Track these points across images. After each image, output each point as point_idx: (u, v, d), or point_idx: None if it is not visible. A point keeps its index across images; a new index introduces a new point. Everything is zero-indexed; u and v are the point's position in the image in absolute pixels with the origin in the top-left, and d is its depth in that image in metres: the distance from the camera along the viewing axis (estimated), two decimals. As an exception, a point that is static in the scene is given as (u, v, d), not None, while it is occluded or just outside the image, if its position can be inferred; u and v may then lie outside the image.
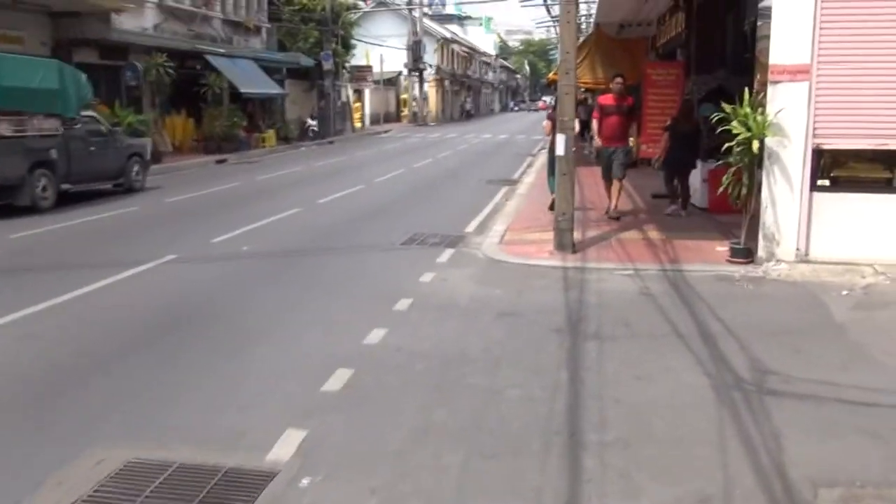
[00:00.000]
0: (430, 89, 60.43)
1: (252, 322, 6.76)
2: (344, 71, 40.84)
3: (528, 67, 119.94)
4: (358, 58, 45.04)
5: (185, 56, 25.59)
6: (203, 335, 6.38)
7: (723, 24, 14.27)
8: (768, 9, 8.47)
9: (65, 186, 14.16)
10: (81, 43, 21.38)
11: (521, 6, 42.25)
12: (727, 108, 8.46)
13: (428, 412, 4.70)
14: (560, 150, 9.40)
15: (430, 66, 58.96)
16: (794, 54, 8.18)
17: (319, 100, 36.24)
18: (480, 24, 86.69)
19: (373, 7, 52.02)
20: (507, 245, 9.99)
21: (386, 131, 44.17)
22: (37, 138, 13.49)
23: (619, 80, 11.58)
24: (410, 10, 54.57)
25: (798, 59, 8.17)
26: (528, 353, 5.82)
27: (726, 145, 8.47)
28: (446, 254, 9.62)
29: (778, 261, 8.48)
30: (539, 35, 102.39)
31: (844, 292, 7.58)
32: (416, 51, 54.49)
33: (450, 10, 78.28)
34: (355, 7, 44.37)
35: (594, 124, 11.63)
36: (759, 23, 9.01)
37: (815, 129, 8.30)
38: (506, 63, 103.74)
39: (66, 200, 13.93)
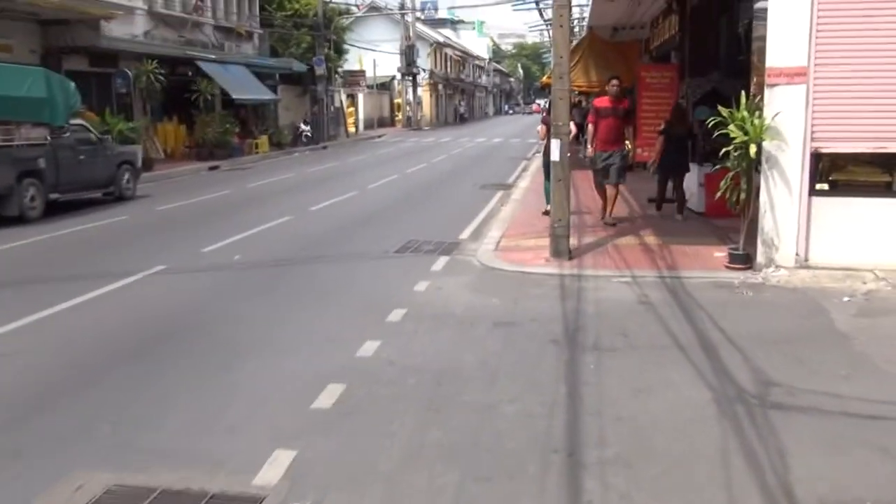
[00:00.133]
0: (424, 93, 60.35)
1: (241, 335, 6.59)
2: (337, 76, 40.70)
3: (521, 71, 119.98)
4: (351, 63, 44.93)
5: (177, 62, 25.45)
6: (190, 350, 6.21)
7: (716, 26, 14.17)
8: (764, 10, 8.35)
9: (53, 196, 13.99)
10: (71, 50, 21.25)
11: (514, 9, 42.15)
12: (724, 111, 8.33)
13: (421, 431, 4.54)
14: (555, 155, 9.27)
15: (424, 70, 58.89)
16: (790, 57, 8.05)
17: (312, 105, 36.08)
18: (473, 28, 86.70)
19: (365, 12, 51.84)
20: (503, 252, 9.84)
21: (380, 136, 44.03)
22: (24, 147, 13.32)
23: (615, 82, 11.36)
24: (403, 14, 54.47)
25: (795, 61, 8.04)
26: (525, 366, 5.67)
27: (724, 150, 8.34)
28: (441, 261, 9.47)
29: (777, 266, 8.34)
30: (532, 38, 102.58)
31: (846, 299, 7.45)
32: (409, 55, 54.39)
33: (442, 14, 78.32)
34: (347, 12, 44.23)
35: (590, 128, 11.42)
36: (755, 24, 8.86)
37: (813, 132, 8.17)
38: (499, 67, 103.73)
39: (54, 210, 13.75)
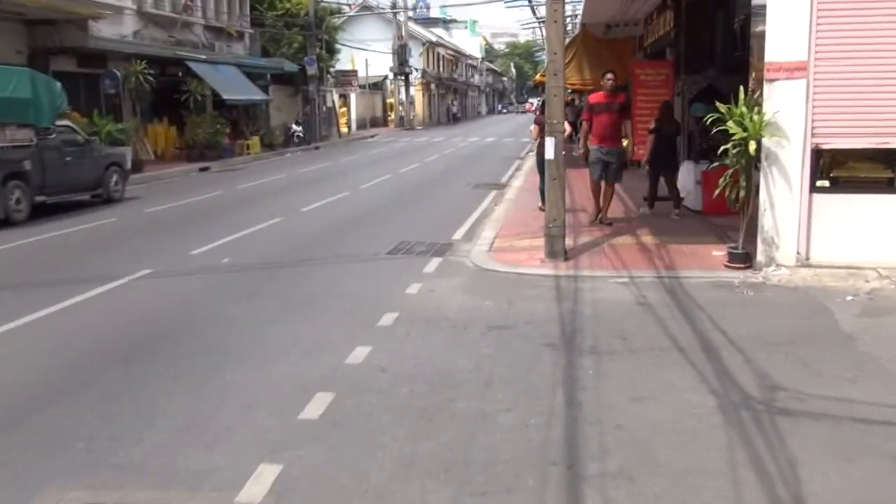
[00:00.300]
0: (417, 93, 60.11)
1: (227, 342, 6.37)
2: (329, 76, 40.42)
3: (514, 70, 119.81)
4: (343, 62, 44.68)
5: (166, 63, 25.18)
6: (174, 358, 5.98)
7: (712, 22, 13.98)
8: (762, 7, 8.15)
9: (40, 198, 13.74)
10: (59, 51, 20.96)
11: (506, 7, 41.98)
12: (722, 107, 8.14)
13: (413, 442, 4.33)
14: (549, 153, 9.07)
15: (416, 69, 58.64)
16: (790, 51, 7.87)
17: (304, 105, 35.83)
18: (466, 28, 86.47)
19: (357, 11, 51.59)
20: (497, 253, 9.64)
21: (372, 136, 43.80)
22: (9, 149, 13.08)
23: (609, 76, 11.00)
24: (395, 13, 54.22)
25: (795, 55, 7.86)
26: (521, 372, 5.46)
27: (722, 147, 8.15)
28: (433, 263, 9.26)
29: (778, 265, 8.16)
30: (525, 37, 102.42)
31: (849, 298, 7.27)
32: (401, 55, 54.15)
33: (434, 13, 78.07)
34: (339, 11, 43.98)
35: (584, 125, 11.20)
36: (753, 20, 8.68)
37: (813, 128, 7.99)
38: (492, 66, 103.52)
39: (41, 213, 13.51)
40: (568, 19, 34.16)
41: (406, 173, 21.48)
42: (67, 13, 20.03)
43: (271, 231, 11.90)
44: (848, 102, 7.93)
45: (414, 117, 57.49)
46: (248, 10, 32.46)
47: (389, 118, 56.87)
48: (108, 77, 22.49)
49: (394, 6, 53.85)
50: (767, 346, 5.94)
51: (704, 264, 8.65)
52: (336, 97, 42.76)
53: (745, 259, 8.31)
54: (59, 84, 15.07)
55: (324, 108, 38.35)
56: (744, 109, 7.98)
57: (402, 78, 55.28)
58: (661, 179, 12.10)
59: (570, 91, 20.33)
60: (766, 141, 7.97)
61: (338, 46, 41.27)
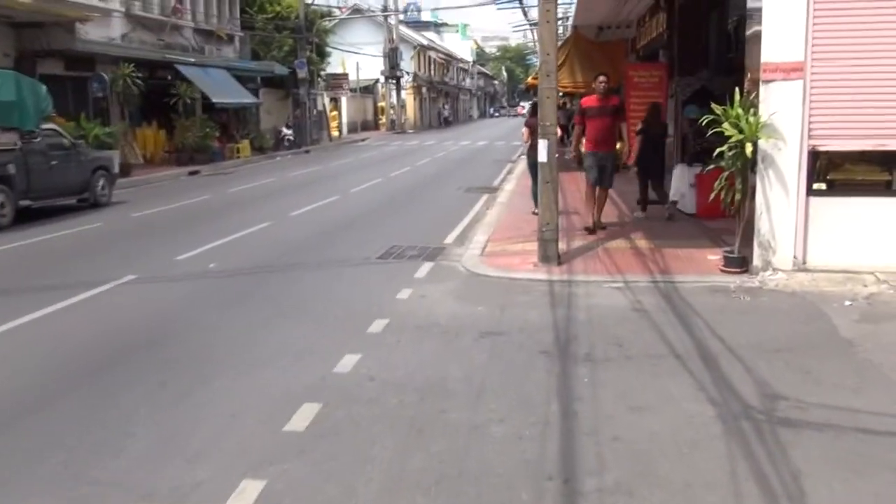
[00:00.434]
0: (408, 96, 59.96)
1: (213, 349, 6.20)
2: (319, 79, 40.25)
3: (505, 73, 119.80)
4: (334, 66, 44.50)
5: (155, 66, 24.94)
6: (157, 367, 5.80)
7: (705, 24, 13.89)
8: (758, 8, 8.03)
9: (24, 203, 13.53)
10: (46, 54, 20.71)
11: (497, 9, 41.87)
12: (718, 109, 8.00)
13: (403, 455, 4.16)
14: (542, 156, 8.92)
15: (408, 73, 58.48)
16: (787, 51, 7.74)
17: (295, 109, 35.64)
18: (457, 31, 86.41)
19: (348, 14, 51.41)
20: (489, 257, 9.48)
21: (363, 139, 43.61)
22: (-7, 153, 12.87)
23: (602, 78, 10.70)
24: (386, 17, 54.07)
25: (791, 56, 7.74)
26: (514, 381, 5.31)
27: (718, 150, 8.02)
28: (425, 267, 9.10)
29: (774, 270, 8.03)
30: (516, 40, 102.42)
31: (847, 303, 7.14)
32: (392, 58, 53.99)
33: (426, 16, 77.92)
34: (330, 15, 43.81)
35: (576, 129, 10.99)
36: (748, 21, 8.56)
37: (810, 129, 7.87)
38: (483, 69, 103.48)
39: (26, 217, 13.29)
40: (559, 22, 34.10)
41: (397, 177, 21.32)
42: (55, 16, 19.81)
43: (260, 235, 11.72)
44: (845, 104, 7.81)
45: (405, 121, 57.33)
46: (238, 13, 32.26)
47: (381, 122, 56.68)
48: (96, 80, 22.24)
49: (385, 9, 53.68)
50: (766, 353, 5.80)
51: (700, 269, 8.51)
52: (327, 100, 42.58)
53: (741, 263, 8.18)
54: (44, 87, 14.87)
55: (314, 112, 38.16)
56: (740, 111, 7.85)
57: (394, 81, 55.13)
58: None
59: (561, 94, 20.20)
60: (763, 143, 7.85)
61: (328, 50, 41.11)
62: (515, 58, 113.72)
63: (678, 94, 13.46)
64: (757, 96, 7.97)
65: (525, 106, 65.49)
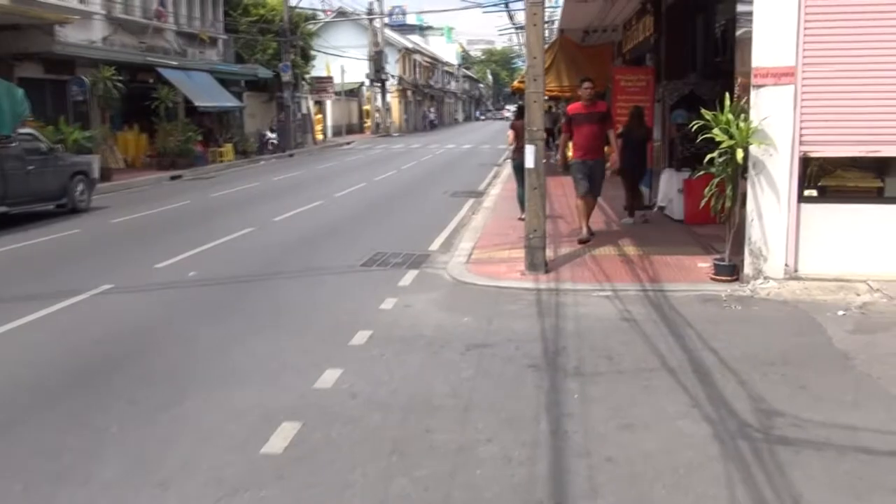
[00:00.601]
0: (393, 100, 59.78)
1: (189, 364, 5.97)
2: (304, 82, 39.97)
3: (490, 77, 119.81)
4: (318, 69, 44.20)
5: (137, 69, 24.64)
6: (130, 383, 5.56)
7: (692, 27, 13.76)
8: (747, 12, 7.89)
9: (1, 209, 13.21)
10: (24, 57, 20.39)
11: (483, 12, 41.73)
12: (708, 114, 7.85)
13: (385, 481, 3.96)
14: (529, 162, 8.74)
15: (393, 76, 58.30)
16: (777, 56, 7.61)
17: (279, 112, 35.33)
18: (442, 34, 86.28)
19: (332, 18, 51.15)
20: (475, 265, 9.29)
21: (348, 143, 43.36)
22: (-33, 158, 12.56)
23: (587, 85, 10.42)
24: (371, 20, 53.84)
25: (782, 61, 7.60)
26: (502, 397, 5.11)
27: (709, 156, 7.86)
28: (409, 275, 8.90)
29: (766, 278, 7.88)
30: (501, 44, 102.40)
31: (840, 312, 7.00)
32: (377, 61, 53.82)
33: (411, 20, 77.70)
34: (314, 18, 43.52)
35: (563, 137, 10.74)
36: (738, 25, 8.42)
37: (801, 135, 7.73)
38: (468, 73, 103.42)
39: (2, 224, 12.97)
40: (546, 25, 34.03)
41: (382, 181, 21.11)
42: (33, 18, 19.45)
43: (241, 242, 11.48)
44: (837, 109, 7.68)
45: (390, 124, 57.13)
46: (222, 16, 31.96)
47: (366, 125, 56.45)
48: (75, 83, 21.91)
49: (370, 13, 53.45)
50: (761, 366, 5.64)
51: (690, 277, 8.36)
52: (311, 104, 42.30)
53: (732, 271, 8.03)
54: (21, 90, 14.57)
55: (299, 115, 37.89)
56: (730, 116, 7.70)
57: (379, 85, 54.92)
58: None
59: (546, 98, 20.05)
60: (754, 149, 7.70)
61: (313, 53, 40.81)
62: (501, 61, 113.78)
63: (665, 99, 13.32)
64: (747, 101, 7.82)
65: (510, 109, 65.52)
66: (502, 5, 40.70)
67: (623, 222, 11.97)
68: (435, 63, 77.53)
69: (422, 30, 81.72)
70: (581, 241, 10.23)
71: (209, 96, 27.30)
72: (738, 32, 8.58)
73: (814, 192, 7.93)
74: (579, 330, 6.63)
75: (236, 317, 7.36)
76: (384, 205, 16.10)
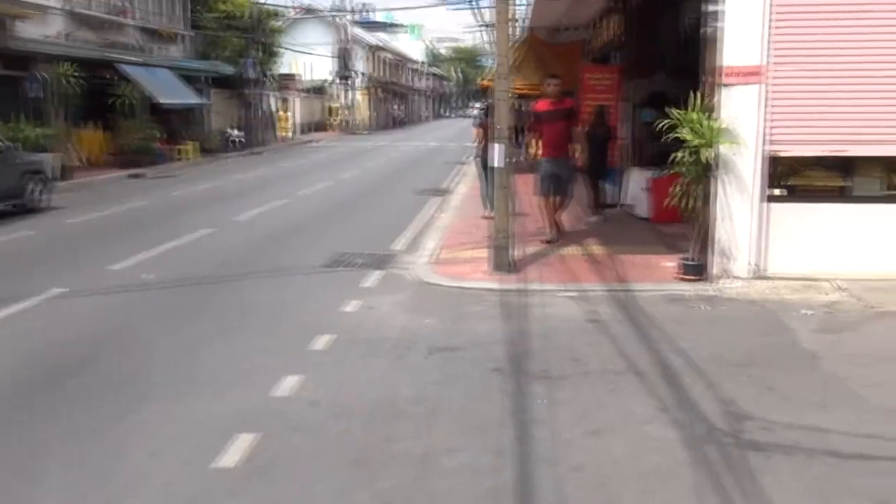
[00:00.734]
0: (360, 97, 59.42)
1: (142, 373, 5.73)
2: (270, 79, 39.51)
3: (457, 74, 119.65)
4: (285, 66, 43.73)
5: (97, 66, 24.04)
6: (81, 392, 5.33)
7: (660, 26, 13.72)
8: (716, 11, 7.83)
9: (-48, 209, 12.82)
10: (-22, 52, 19.84)
11: (447, 9, 41.59)
12: (675, 113, 7.78)
13: (346, 495, 3.80)
14: (496, 160, 8.62)
15: (360, 73, 57.94)
16: (746, 55, 7.57)
17: (244, 109, 34.88)
18: (409, 32, 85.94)
19: (299, 14, 50.66)
20: (440, 265, 9.15)
21: (315, 140, 42.96)
22: (-84, 156, 12.14)
23: (554, 81, 10.29)
24: (337, 17, 53.42)
25: (750, 59, 7.56)
26: (467, 403, 4.98)
27: (675, 155, 7.79)
28: (374, 276, 8.73)
29: (733, 277, 7.85)
30: (468, 42, 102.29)
31: (807, 312, 6.96)
32: (344, 58, 53.43)
33: (378, 17, 77.32)
34: (280, 14, 43.04)
35: (530, 134, 10.58)
36: (707, 25, 8.34)
37: (769, 135, 7.70)
38: (436, 70, 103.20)
39: (-47, 225, 12.60)
40: (514, 23, 33.93)
41: (348, 179, 20.90)
42: (-12, 12, 18.97)
43: (201, 243, 11.22)
44: (804, 109, 7.66)
45: (357, 122, 56.78)
46: (186, 12, 31.43)
47: (332, 122, 55.98)
48: (32, 80, 21.33)
49: (336, 9, 53.03)
50: (729, 367, 5.58)
51: (656, 276, 8.30)
52: (277, 101, 41.86)
53: (698, 271, 7.98)
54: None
55: (264, 113, 37.44)
56: (698, 115, 7.64)
57: (345, 82, 54.54)
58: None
59: (515, 96, 19.96)
60: (721, 148, 7.65)
61: (279, 50, 40.34)
62: (468, 59, 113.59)
63: (633, 97, 13.28)
64: (715, 100, 7.76)
65: (477, 107, 65.56)
66: (467, 2, 40.59)
67: (589, 221, 11.90)
68: (402, 60, 77.24)
69: (389, 27, 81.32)
70: (547, 241, 10.13)
71: (172, 93, 26.82)
72: (706, 31, 8.50)
73: (781, 192, 7.91)
74: (545, 331, 6.52)
75: (193, 321, 7.14)
76: (350, 203, 15.90)
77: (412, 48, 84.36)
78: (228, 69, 32.29)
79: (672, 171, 8.11)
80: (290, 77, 44.76)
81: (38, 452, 4.38)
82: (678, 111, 7.75)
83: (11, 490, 3.97)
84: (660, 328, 6.53)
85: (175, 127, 28.33)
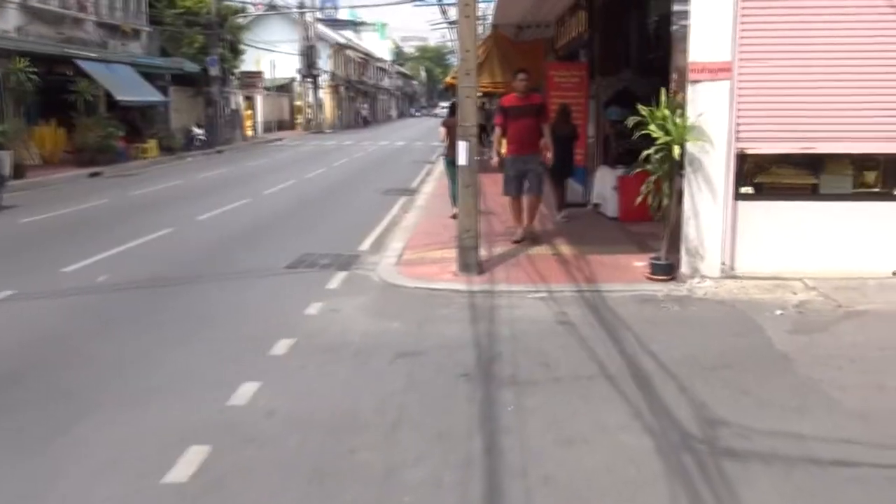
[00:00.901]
0: (325, 96, 58.92)
1: (92, 379, 5.45)
2: (233, 77, 38.95)
3: (424, 73, 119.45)
4: (248, 64, 43.11)
5: (54, 61, 23.45)
6: (22, 404, 5.01)
7: (626, 23, 13.63)
8: (683, 9, 7.71)
9: None
10: (-73, 47, 19.23)
11: (414, 6, 41.26)
12: (644, 110, 7.64)
13: (303, 512, 3.58)
14: (462, 159, 8.42)
15: (325, 72, 57.44)
16: (714, 51, 7.44)
17: (207, 107, 34.31)
18: (375, 30, 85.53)
19: (263, 11, 50.02)
20: (406, 266, 8.93)
21: (279, 139, 42.46)
22: None
23: (522, 76, 9.99)
24: (302, 14, 52.88)
25: (718, 56, 7.43)
26: (433, 411, 4.77)
27: (644, 153, 7.66)
28: (338, 277, 8.49)
29: (703, 277, 7.72)
30: (434, 40, 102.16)
31: (778, 312, 6.85)
32: (309, 56, 52.92)
33: (343, 15, 76.86)
34: (243, 11, 42.44)
35: (497, 131, 10.33)
36: (674, 20, 8.23)
37: (737, 132, 7.59)
38: (402, 69, 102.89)
39: None
40: (479, 20, 33.79)
41: (312, 178, 20.59)
42: (-63, 6, 18.36)
43: (160, 243, 10.88)
44: (772, 106, 7.55)
45: (322, 120, 56.29)
46: (146, 8, 30.81)
47: (297, 121, 55.43)
48: (-16, 76, 20.77)
49: (301, 6, 52.48)
50: (702, 370, 5.43)
51: (626, 276, 8.15)
52: (241, 99, 41.30)
53: (668, 270, 7.85)
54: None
55: (228, 111, 36.90)
56: (666, 112, 7.51)
57: (311, 80, 54.03)
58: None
59: (480, 94, 19.79)
60: (690, 146, 7.53)
61: (242, 47, 39.73)
62: (434, 58, 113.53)
63: (599, 95, 13.16)
64: (683, 97, 7.64)
65: (444, 106, 65.26)
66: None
67: (558, 219, 11.76)
68: (368, 59, 76.78)
69: (355, 25, 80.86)
70: (516, 241, 9.94)
71: (131, 90, 26.26)
72: (673, 28, 8.39)
73: (750, 190, 7.81)
74: (514, 334, 6.33)
75: (148, 325, 6.84)
76: (314, 203, 15.61)
77: (379, 47, 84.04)
78: (193, 66, 31.72)
79: (640, 170, 7.98)
80: (253, 75, 44.19)
81: (-27, 470, 4.09)
82: (647, 108, 7.62)
83: (-59, 512, 3.69)
84: (630, 329, 6.37)
85: (137, 125, 27.77)
